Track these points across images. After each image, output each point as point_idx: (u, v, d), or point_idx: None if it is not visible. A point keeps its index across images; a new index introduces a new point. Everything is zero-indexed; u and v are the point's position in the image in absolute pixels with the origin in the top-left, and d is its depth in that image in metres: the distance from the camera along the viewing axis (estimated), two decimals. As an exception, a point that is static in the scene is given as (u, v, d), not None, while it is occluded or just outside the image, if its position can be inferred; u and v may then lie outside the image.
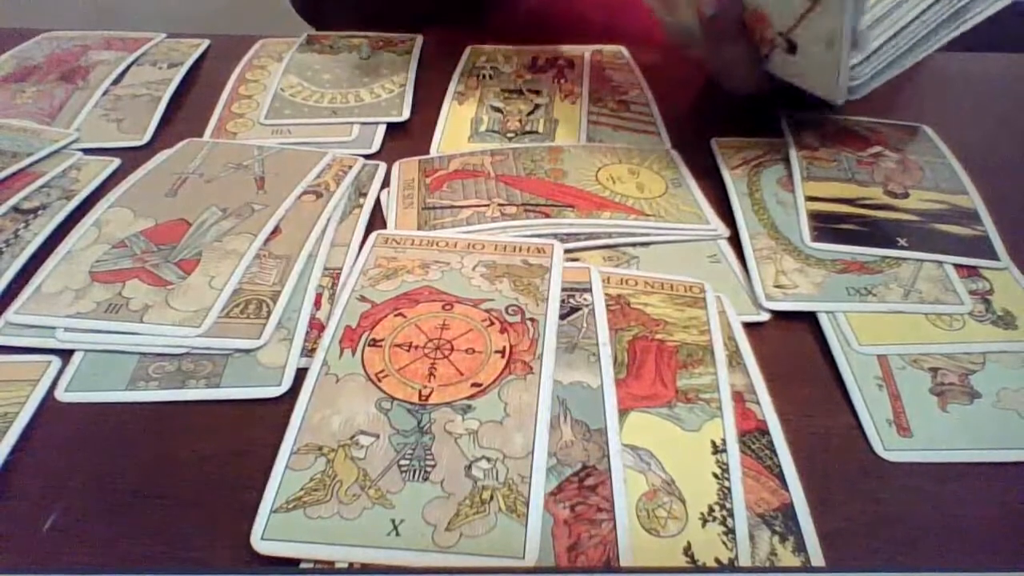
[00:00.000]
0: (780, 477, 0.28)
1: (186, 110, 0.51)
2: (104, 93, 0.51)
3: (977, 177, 0.44)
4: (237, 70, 0.54)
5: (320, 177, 0.42)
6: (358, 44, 0.57)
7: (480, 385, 0.30)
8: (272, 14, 0.76)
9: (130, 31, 0.58)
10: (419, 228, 0.40)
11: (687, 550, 0.26)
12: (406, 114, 0.49)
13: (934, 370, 0.33)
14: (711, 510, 0.27)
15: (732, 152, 0.46)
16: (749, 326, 0.35)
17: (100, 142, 0.46)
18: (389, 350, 0.32)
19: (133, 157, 0.45)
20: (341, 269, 0.37)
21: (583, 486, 0.27)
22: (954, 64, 0.59)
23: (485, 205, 0.41)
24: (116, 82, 0.52)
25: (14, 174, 0.42)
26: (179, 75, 0.53)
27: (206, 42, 0.57)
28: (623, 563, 0.25)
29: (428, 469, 0.27)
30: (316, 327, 0.34)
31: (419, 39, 0.57)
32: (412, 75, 0.53)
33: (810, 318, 0.35)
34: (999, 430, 0.31)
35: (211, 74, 0.54)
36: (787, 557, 0.26)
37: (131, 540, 0.27)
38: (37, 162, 0.44)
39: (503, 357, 0.31)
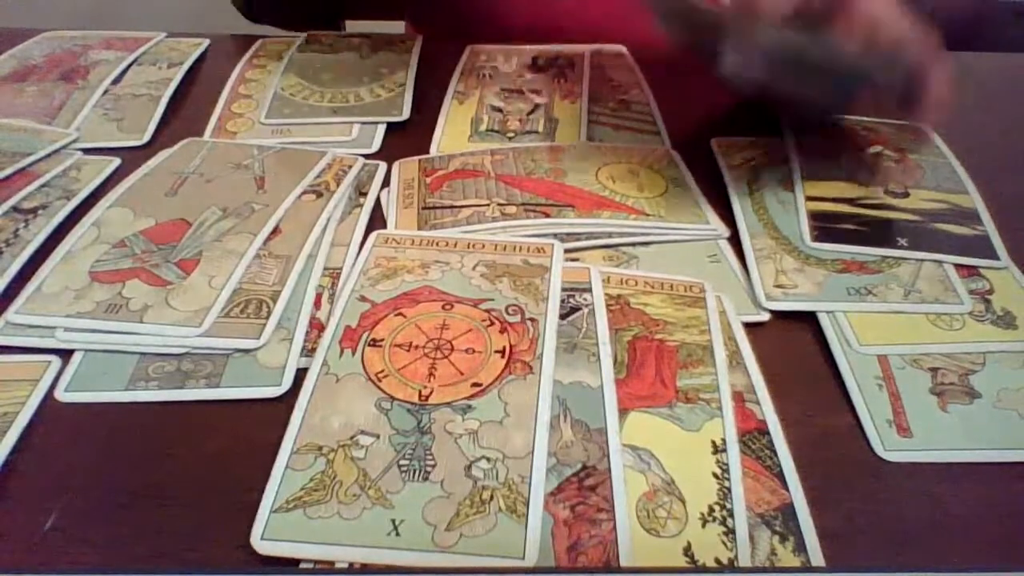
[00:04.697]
0: (780, 477, 0.28)
1: (186, 110, 0.51)
2: (104, 93, 0.51)
3: (977, 177, 0.44)
4: (237, 69, 0.54)
5: (320, 177, 0.42)
6: (358, 44, 0.57)
7: (480, 385, 0.30)
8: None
9: (130, 31, 0.58)
10: (419, 228, 0.40)
11: (687, 550, 0.26)
12: (406, 113, 0.49)
13: (934, 370, 0.33)
14: (711, 510, 0.27)
15: (732, 152, 0.46)
16: (749, 326, 0.35)
17: (100, 142, 0.46)
18: (389, 350, 0.32)
19: (133, 157, 0.45)
20: (341, 269, 0.37)
21: (583, 486, 0.27)
22: (954, 64, 0.59)
23: (485, 205, 0.41)
24: (116, 82, 0.52)
25: (14, 174, 0.42)
26: (179, 75, 0.53)
27: (206, 42, 0.57)
28: (623, 563, 0.25)
29: (428, 469, 0.27)
30: (316, 327, 0.34)
31: (419, 39, 0.57)
32: (412, 75, 0.53)
33: (810, 318, 0.35)
34: (999, 430, 0.31)
35: (211, 74, 0.54)
36: (787, 557, 0.26)
37: (131, 540, 0.27)
38: (37, 162, 0.44)
39: (503, 357, 0.31)
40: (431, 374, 0.31)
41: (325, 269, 0.37)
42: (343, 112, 0.49)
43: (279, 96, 0.51)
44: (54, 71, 0.53)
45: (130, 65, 0.54)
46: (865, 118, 0.49)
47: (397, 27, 0.74)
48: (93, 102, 0.50)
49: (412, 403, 0.30)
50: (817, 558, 0.26)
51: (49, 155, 0.44)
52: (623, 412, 0.30)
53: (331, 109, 0.50)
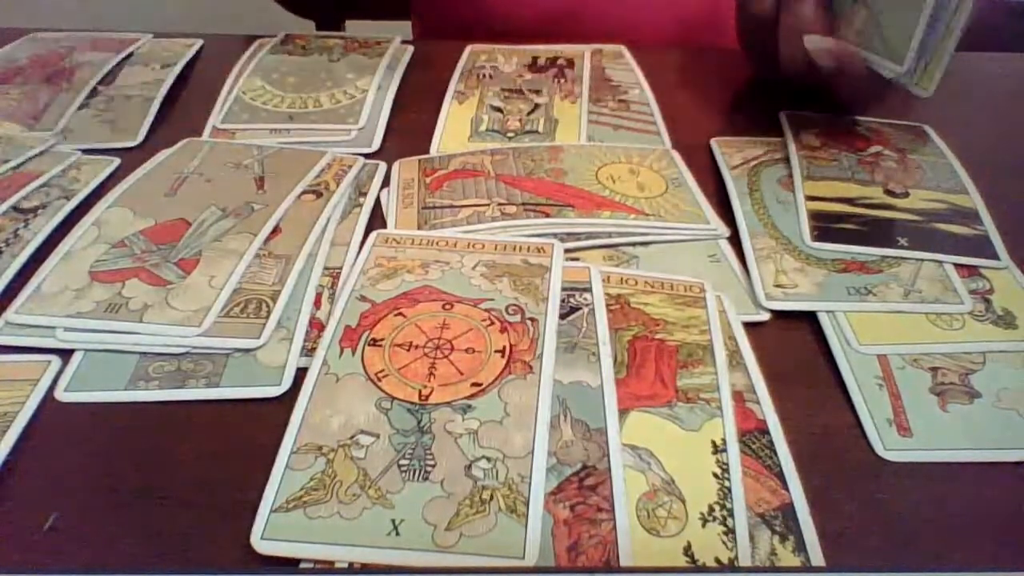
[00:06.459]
0: (780, 477, 0.28)
1: (180, 110, 0.50)
2: (93, 94, 0.50)
3: (977, 177, 0.44)
4: (236, 69, 0.54)
5: (320, 176, 0.42)
6: (332, 46, 0.55)
7: (480, 385, 0.30)
8: (270, 15, 0.75)
9: (117, 31, 0.58)
10: (419, 228, 0.40)
11: (687, 550, 0.26)
12: (362, 122, 0.48)
13: (934, 370, 0.33)
14: (711, 510, 0.27)
15: (732, 152, 0.46)
16: (749, 326, 0.35)
17: (93, 143, 0.46)
18: (389, 350, 0.32)
19: (132, 157, 0.45)
20: (341, 269, 0.37)
21: (583, 486, 0.27)
22: (954, 64, 0.59)
23: (485, 205, 0.41)
24: (106, 83, 0.52)
25: (10, 173, 0.42)
26: (172, 75, 0.53)
27: (199, 42, 0.57)
28: (623, 563, 0.25)
29: (428, 469, 0.27)
30: (316, 327, 0.34)
31: (396, 40, 0.57)
32: (377, 81, 0.51)
33: (810, 318, 0.35)
34: (999, 430, 0.31)
35: (203, 74, 0.54)
36: (787, 557, 0.26)
37: (131, 540, 0.27)
38: (19, 166, 0.43)
39: (503, 357, 0.31)
40: (431, 374, 0.31)
41: (325, 269, 0.37)
42: (299, 119, 0.48)
43: (239, 100, 0.49)
44: (38, 73, 0.52)
45: (116, 66, 0.53)
46: (864, 118, 0.49)
47: (400, 27, 0.74)
48: (77, 104, 0.49)
49: (412, 403, 0.30)
50: (817, 558, 0.26)
51: (31, 159, 0.44)
52: (623, 412, 0.30)
53: (288, 115, 0.48)
